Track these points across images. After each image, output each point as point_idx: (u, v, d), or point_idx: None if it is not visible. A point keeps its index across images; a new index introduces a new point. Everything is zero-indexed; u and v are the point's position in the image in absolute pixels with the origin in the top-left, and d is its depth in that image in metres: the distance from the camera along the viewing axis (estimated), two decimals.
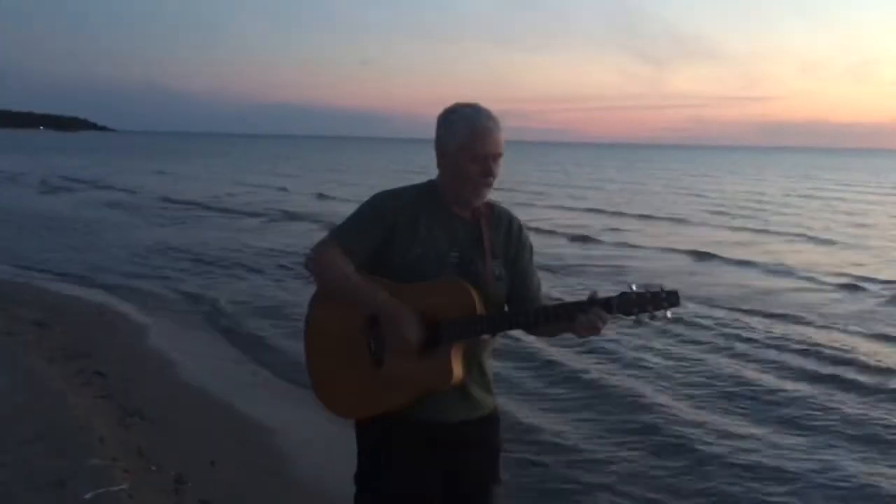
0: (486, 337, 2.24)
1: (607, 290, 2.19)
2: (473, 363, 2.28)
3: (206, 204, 21.78)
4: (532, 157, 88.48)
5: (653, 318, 2.09)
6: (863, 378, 6.58)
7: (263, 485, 4.14)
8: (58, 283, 9.91)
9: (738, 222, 19.66)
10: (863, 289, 10.92)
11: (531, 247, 2.42)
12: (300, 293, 8.59)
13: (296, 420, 5.17)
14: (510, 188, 27.77)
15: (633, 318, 2.11)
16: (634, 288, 2.11)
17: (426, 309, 2.17)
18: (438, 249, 2.25)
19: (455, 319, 2.15)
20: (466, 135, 2.22)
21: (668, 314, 2.09)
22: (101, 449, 4.17)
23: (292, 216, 19.27)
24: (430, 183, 2.35)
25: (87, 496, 3.57)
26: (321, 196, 25.84)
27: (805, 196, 30.49)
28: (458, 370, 2.18)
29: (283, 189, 28.58)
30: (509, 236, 2.36)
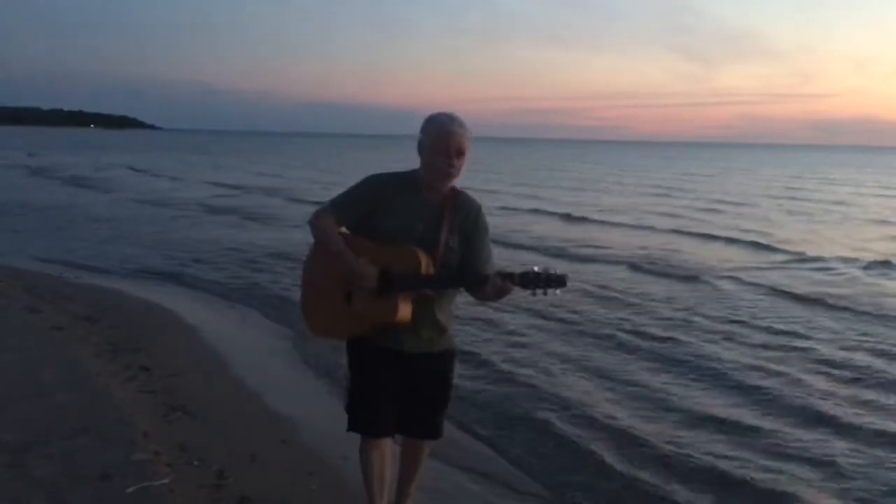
0: (429, 292, 2.92)
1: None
2: (426, 312, 2.98)
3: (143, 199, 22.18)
4: (552, 153, 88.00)
5: (545, 293, 2.70)
6: None
7: (304, 482, 4.14)
8: (102, 279, 10.13)
9: (663, 222, 18.89)
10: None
11: (486, 228, 3.08)
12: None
13: (338, 419, 5.17)
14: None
15: (529, 291, 2.71)
16: (536, 269, 2.71)
17: (387, 264, 2.88)
18: (409, 223, 2.93)
19: (404, 274, 2.85)
20: (436, 136, 2.90)
21: (557, 292, 2.71)
22: (144, 443, 4.22)
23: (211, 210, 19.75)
24: (413, 171, 3.04)
25: (130, 490, 3.61)
26: (244, 190, 26.49)
27: (782, 197, 29.01)
28: (403, 311, 2.88)
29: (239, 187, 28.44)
30: (468, 217, 3.02)
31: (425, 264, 2.85)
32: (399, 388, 3.11)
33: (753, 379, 6.35)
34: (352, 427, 3.19)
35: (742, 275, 11.46)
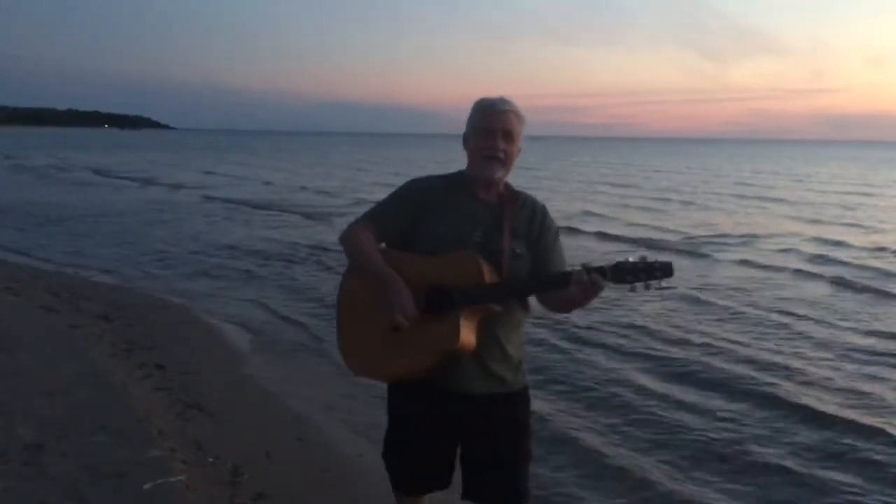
0: (496, 307, 2.35)
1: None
2: (492, 339, 2.43)
3: None
4: (547, 150, 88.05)
5: (647, 287, 2.24)
6: None
7: (318, 479, 4.16)
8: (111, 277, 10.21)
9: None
10: None
11: (556, 231, 2.58)
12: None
13: (353, 417, 5.20)
14: None
15: (627, 286, 2.25)
16: (631, 259, 2.25)
17: (439, 278, 2.35)
18: (462, 229, 2.43)
19: (463, 287, 2.32)
20: (477, 116, 2.48)
21: (662, 284, 2.23)
22: (160, 441, 4.24)
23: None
24: (459, 172, 2.57)
25: (146, 486, 3.63)
26: (176, 187, 26.93)
27: (728, 193, 28.17)
28: (466, 336, 2.31)
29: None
30: (533, 219, 2.52)
31: (488, 273, 2.34)
32: (452, 438, 2.54)
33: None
34: (397, 486, 2.68)
35: None
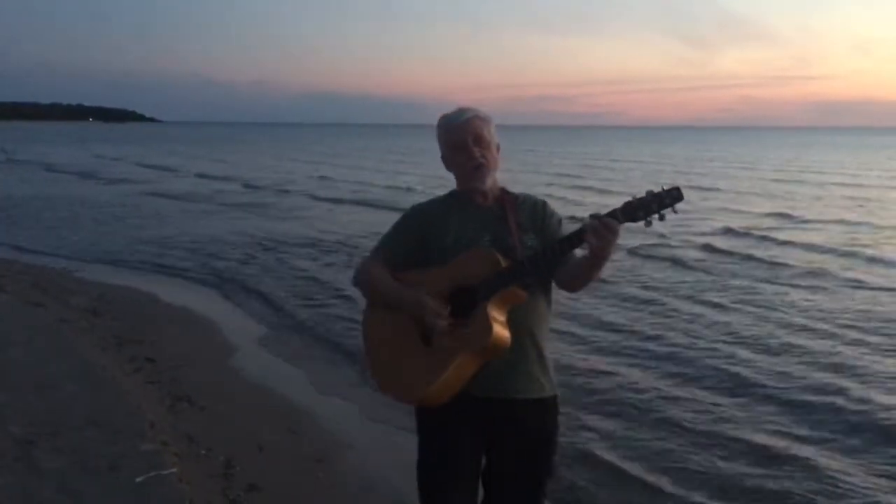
0: (521, 293, 2.31)
1: None
2: (526, 333, 2.37)
3: None
4: (527, 139, 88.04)
5: (662, 217, 2.18)
6: None
7: (310, 472, 4.18)
8: (101, 271, 10.17)
9: None
10: None
11: (560, 219, 2.55)
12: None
13: (344, 409, 5.22)
14: None
15: (642, 222, 2.19)
16: (636, 196, 2.19)
17: (459, 281, 2.33)
18: (471, 236, 2.43)
19: (485, 279, 2.30)
20: (443, 134, 2.50)
21: (675, 209, 2.18)
22: (151, 434, 4.26)
23: None
24: (452, 190, 2.58)
25: (139, 480, 3.65)
26: (112, 182, 26.80)
27: (657, 182, 27.64)
28: (498, 329, 2.26)
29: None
30: (534, 212, 2.51)
31: (504, 262, 2.32)
32: (481, 452, 2.46)
33: None
34: None
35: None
